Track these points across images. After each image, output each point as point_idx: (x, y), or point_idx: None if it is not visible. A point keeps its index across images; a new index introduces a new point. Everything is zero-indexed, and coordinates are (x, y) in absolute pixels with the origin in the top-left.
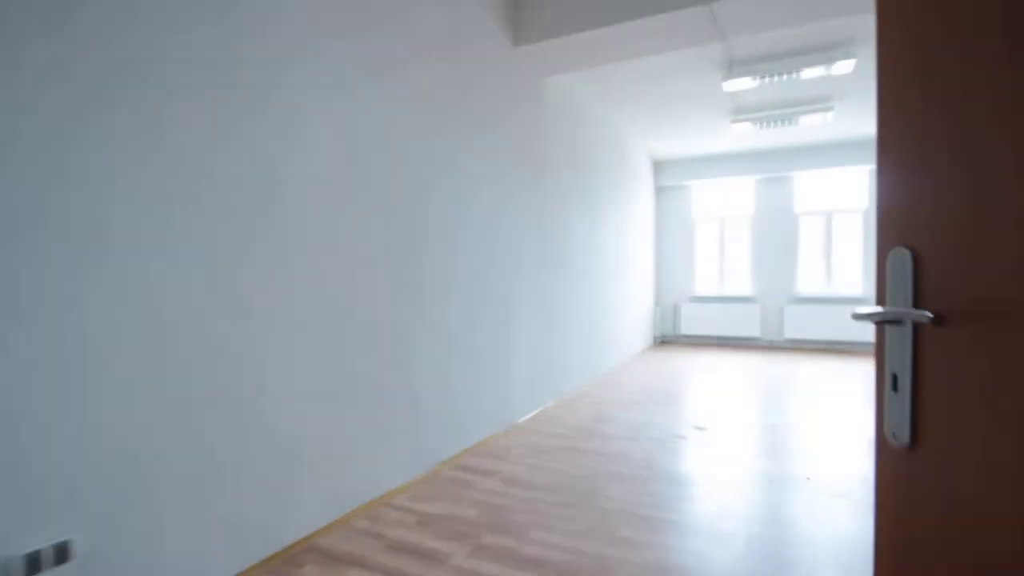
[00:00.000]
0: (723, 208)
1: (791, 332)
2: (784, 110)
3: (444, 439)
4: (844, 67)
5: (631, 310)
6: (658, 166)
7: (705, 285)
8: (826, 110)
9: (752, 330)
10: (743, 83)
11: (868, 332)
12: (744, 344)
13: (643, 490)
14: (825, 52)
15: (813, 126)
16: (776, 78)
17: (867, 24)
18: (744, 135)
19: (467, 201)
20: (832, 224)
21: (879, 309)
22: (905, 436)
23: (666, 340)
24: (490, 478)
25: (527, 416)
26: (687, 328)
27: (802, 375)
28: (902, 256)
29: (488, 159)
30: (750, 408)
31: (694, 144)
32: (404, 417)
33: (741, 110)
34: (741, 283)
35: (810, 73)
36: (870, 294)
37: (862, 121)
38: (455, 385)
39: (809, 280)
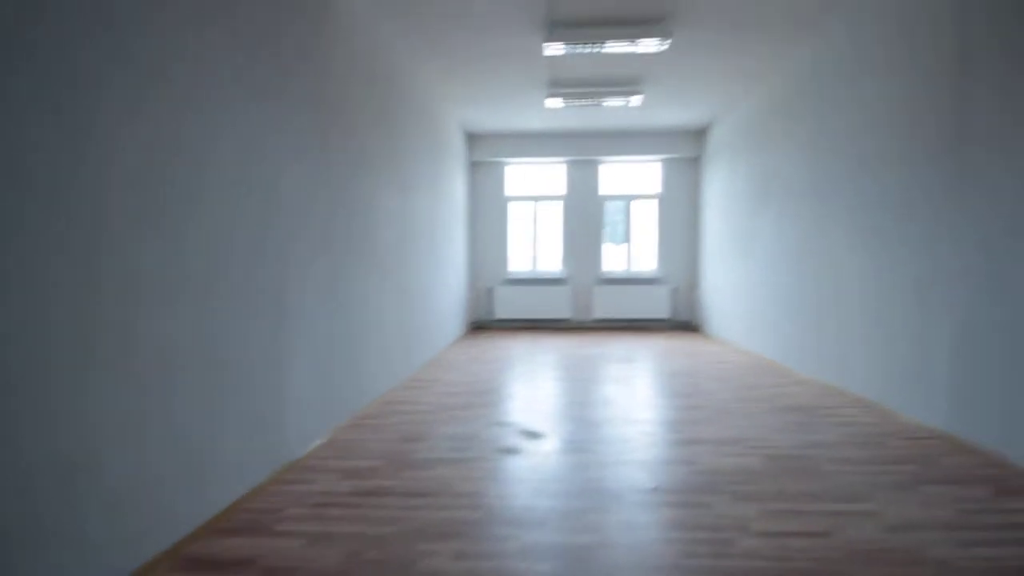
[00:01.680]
0: (536, 188)
1: (599, 312)
2: (594, 88)
3: (154, 519)
4: (651, 45)
5: (446, 296)
6: (472, 140)
7: (519, 268)
8: (631, 94)
9: (563, 311)
10: (558, 48)
11: (663, 309)
12: (556, 326)
13: (477, 549)
14: (639, 26)
15: (621, 111)
16: (588, 48)
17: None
18: (557, 115)
19: (198, 145)
20: (631, 208)
21: None
22: None
23: (481, 325)
24: None
25: (312, 446)
26: (501, 312)
27: (617, 355)
28: None
29: (246, 81)
30: (578, 400)
31: (510, 119)
32: (61, 502)
33: (557, 83)
34: (553, 265)
35: (616, 47)
36: (665, 273)
37: (666, 111)
38: (183, 426)
39: (613, 261)
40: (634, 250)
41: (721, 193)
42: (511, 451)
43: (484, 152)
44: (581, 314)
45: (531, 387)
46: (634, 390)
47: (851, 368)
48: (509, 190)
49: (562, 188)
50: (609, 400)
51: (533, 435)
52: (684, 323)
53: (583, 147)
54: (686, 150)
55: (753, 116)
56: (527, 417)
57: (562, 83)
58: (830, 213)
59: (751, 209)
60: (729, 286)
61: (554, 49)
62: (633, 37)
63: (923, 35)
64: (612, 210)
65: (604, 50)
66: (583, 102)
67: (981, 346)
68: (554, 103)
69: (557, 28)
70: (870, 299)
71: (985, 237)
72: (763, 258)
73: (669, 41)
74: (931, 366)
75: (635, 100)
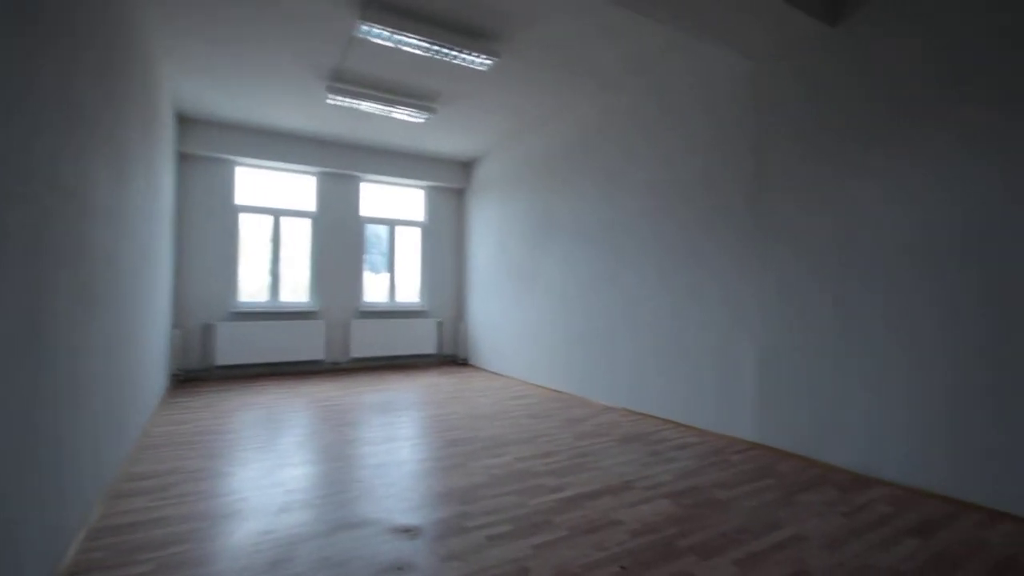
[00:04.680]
0: (279, 200)
1: (359, 350)
2: (387, 94)
3: None
4: (474, 60)
5: (153, 334)
6: (186, 125)
7: (253, 298)
8: (424, 109)
9: (315, 351)
10: (370, 30)
11: (429, 344)
12: (305, 369)
13: None
14: (470, 36)
15: (392, 127)
16: (406, 41)
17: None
18: (317, 115)
19: None
20: (396, 234)
21: None
22: None
23: (192, 376)
24: None
25: None
26: (226, 355)
27: (407, 401)
28: None
29: None
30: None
31: (253, 106)
32: None
33: (343, 76)
34: (301, 295)
35: (436, 49)
36: (430, 306)
37: (444, 135)
38: None
39: (374, 292)
40: (398, 280)
41: (495, 227)
42: None
43: (202, 143)
44: (336, 353)
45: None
46: (471, 448)
47: (655, 395)
48: (240, 198)
49: (312, 203)
50: (457, 466)
51: (407, 531)
52: (450, 357)
53: (342, 159)
54: (451, 180)
55: (537, 155)
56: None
57: (350, 77)
58: (628, 255)
59: (532, 245)
60: (508, 321)
61: (364, 30)
62: (461, 46)
63: (725, 109)
64: (373, 235)
65: (419, 50)
66: (368, 105)
67: (782, 367)
68: (336, 100)
69: (374, 6)
70: (673, 332)
71: (782, 276)
72: (551, 294)
73: (492, 62)
74: (740, 387)
75: (422, 117)
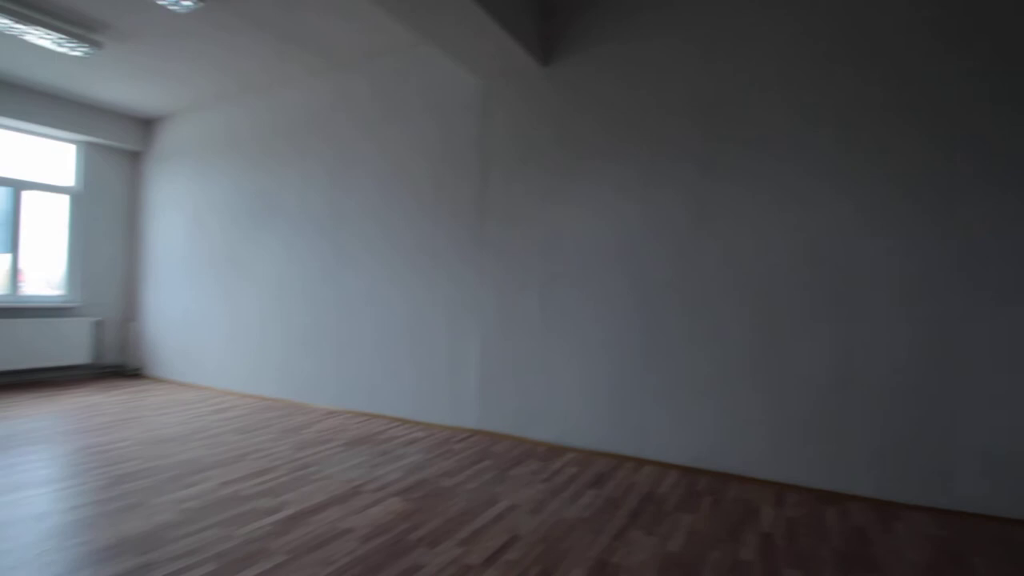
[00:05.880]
0: None
1: None
2: (28, 10)
3: None
4: None
5: None
6: None
7: None
8: (84, 40)
9: None
10: None
11: (81, 352)
12: None
13: None
14: None
15: (39, 55)
16: None
17: None
18: None
19: None
20: (22, 202)
21: None
22: None
23: None
24: None
25: None
26: None
27: (44, 432)
28: None
29: None
30: None
31: None
32: None
33: None
34: None
35: None
36: (84, 300)
37: (114, 77)
38: None
39: None
40: (28, 264)
41: (189, 205)
42: None
43: None
44: None
45: None
46: (152, 481)
47: (385, 394)
48: None
49: None
50: (131, 508)
51: None
52: (115, 368)
53: None
54: (123, 138)
55: (253, 125)
56: None
57: None
58: (358, 249)
59: (244, 231)
60: (208, 320)
61: None
62: None
63: (458, 117)
64: None
65: None
66: None
67: (496, 358)
68: None
69: None
70: (403, 329)
71: (498, 277)
72: (267, 289)
73: (192, 3)
74: (465, 380)
75: (78, 49)
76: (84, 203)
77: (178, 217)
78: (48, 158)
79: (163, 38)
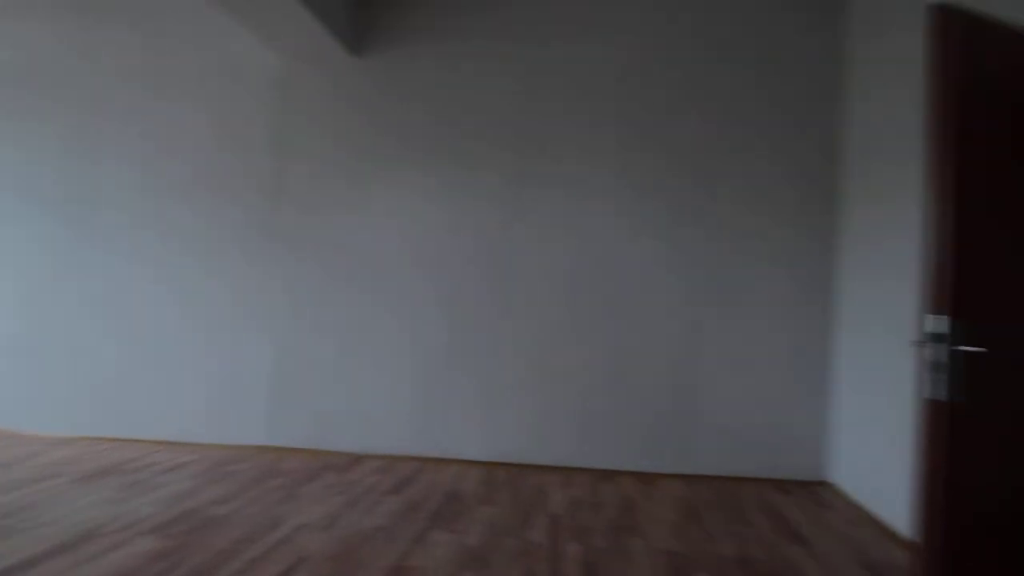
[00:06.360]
0: None
1: None
2: None
3: None
4: None
5: None
6: None
7: None
8: None
9: None
10: None
11: None
12: None
13: None
14: None
15: None
16: None
17: None
18: None
19: None
20: None
21: None
22: None
23: None
24: None
25: None
26: None
27: None
28: None
29: None
30: None
31: None
32: None
33: None
34: None
35: None
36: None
37: None
38: None
39: None
40: None
41: None
42: None
43: None
44: None
45: None
46: None
47: (144, 414)
48: None
49: None
50: None
51: None
52: None
53: None
54: None
55: None
56: None
57: None
58: (115, 239)
59: None
60: None
61: None
62: None
63: (257, 98)
64: None
65: None
66: None
67: (292, 368)
68: None
69: None
70: (172, 337)
71: (296, 282)
72: None
73: None
74: (252, 392)
75: None
76: None
77: None
78: None
79: None
